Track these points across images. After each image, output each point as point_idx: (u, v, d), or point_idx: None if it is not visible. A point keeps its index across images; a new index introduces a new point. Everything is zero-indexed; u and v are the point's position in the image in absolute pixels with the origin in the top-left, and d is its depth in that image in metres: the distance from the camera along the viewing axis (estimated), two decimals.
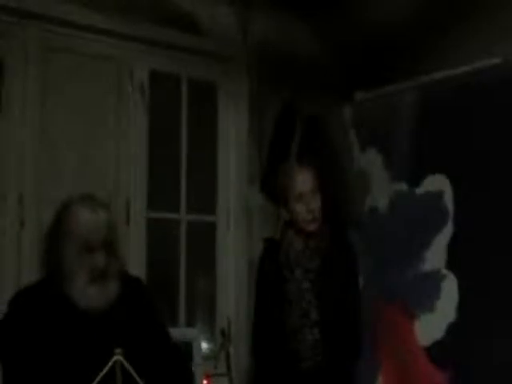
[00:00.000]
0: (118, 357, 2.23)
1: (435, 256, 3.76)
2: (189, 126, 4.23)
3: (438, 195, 3.77)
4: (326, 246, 3.45)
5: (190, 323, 4.19)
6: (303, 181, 3.43)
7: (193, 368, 3.69)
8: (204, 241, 4.30)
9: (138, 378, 2.26)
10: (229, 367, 4.07)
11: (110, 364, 2.25)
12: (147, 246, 3.98)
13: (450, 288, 3.68)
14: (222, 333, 4.13)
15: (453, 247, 3.70)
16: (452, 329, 3.64)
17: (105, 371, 2.25)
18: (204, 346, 4.05)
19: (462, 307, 3.62)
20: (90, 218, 2.64)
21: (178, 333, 3.67)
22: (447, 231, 3.72)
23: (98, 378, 2.24)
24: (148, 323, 2.75)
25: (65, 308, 2.62)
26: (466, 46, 3.73)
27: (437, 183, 3.79)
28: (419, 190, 3.88)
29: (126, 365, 2.23)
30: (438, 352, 3.69)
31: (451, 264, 3.69)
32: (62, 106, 3.72)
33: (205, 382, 3.79)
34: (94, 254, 2.62)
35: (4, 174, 3.51)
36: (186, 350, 3.70)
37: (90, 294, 2.62)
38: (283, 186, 3.47)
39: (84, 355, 2.55)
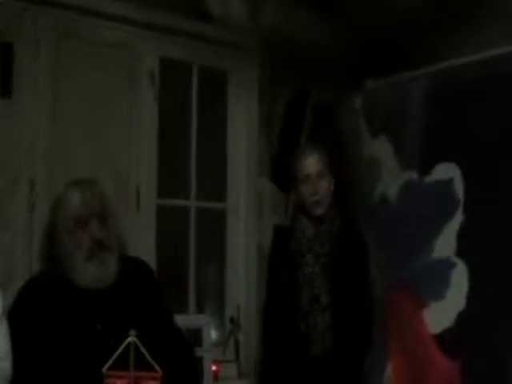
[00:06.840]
0: (132, 338, 2.24)
1: (445, 244, 3.76)
2: (199, 113, 4.23)
3: (449, 183, 3.78)
4: (337, 231, 3.47)
5: (199, 310, 4.19)
6: (311, 163, 3.48)
7: (202, 354, 3.71)
8: (214, 228, 4.30)
9: (152, 361, 2.27)
10: (237, 354, 4.09)
11: (123, 345, 2.26)
12: (157, 232, 3.97)
13: (459, 276, 3.68)
14: (231, 320, 4.14)
15: (463, 235, 3.70)
16: (462, 317, 3.65)
17: (118, 352, 2.25)
18: (213, 332, 4.06)
19: (471, 295, 3.62)
20: (77, 196, 2.68)
21: (187, 319, 3.69)
22: (457, 219, 3.72)
23: (112, 359, 2.24)
24: (153, 305, 2.75)
25: (69, 292, 2.64)
26: (481, 34, 3.71)
27: (447, 171, 3.79)
28: (429, 178, 3.88)
29: (141, 347, 2.24)
30: (447, 340, 3.70)
31: (461, 252, 3.69)
32: (72, 92, 3.70)
33: (214, 367, 3.81)
34: (86, 228, 2.64)
35: (15, 159, 3.50)
36: (195, 337, 3.72)
37: (89, 271, 2.64)
38: (293, 168, 3.53)
39: (90, 336, 2.57)
